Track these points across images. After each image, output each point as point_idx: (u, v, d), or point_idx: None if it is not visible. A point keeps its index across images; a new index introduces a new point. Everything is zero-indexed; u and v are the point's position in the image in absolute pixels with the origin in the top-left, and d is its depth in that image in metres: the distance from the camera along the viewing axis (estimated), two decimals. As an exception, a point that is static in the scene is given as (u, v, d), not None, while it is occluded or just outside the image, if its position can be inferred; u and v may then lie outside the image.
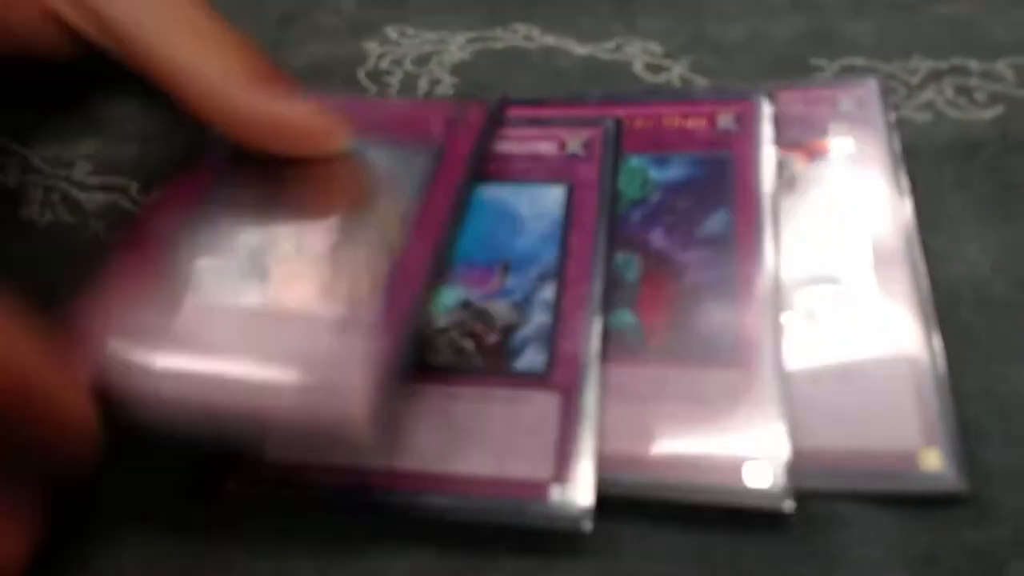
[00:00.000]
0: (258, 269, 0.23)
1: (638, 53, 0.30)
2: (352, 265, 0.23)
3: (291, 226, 0.24)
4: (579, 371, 0.22)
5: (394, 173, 0.25)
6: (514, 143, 0.26)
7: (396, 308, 0.22)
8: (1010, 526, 0.20)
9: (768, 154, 0.25)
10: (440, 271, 0.23)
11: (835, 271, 0.23)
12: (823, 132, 0.26)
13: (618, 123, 0.26)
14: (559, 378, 0.22)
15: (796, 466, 0.20)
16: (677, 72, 0.29)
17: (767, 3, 0.31)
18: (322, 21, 0.32)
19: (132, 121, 0.29)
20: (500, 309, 0.23)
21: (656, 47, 0.30)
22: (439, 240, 0.23)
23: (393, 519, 0.21)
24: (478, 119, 0.26)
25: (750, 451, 0.20)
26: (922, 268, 0.23)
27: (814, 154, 0.26)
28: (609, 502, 0.20)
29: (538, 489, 0.20)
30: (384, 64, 0.30)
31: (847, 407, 0.21)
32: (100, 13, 0.24)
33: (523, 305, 0.23)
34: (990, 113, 0.27)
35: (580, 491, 0.20)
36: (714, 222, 0.24)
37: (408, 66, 0.30)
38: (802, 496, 0.20)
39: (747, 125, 0.26)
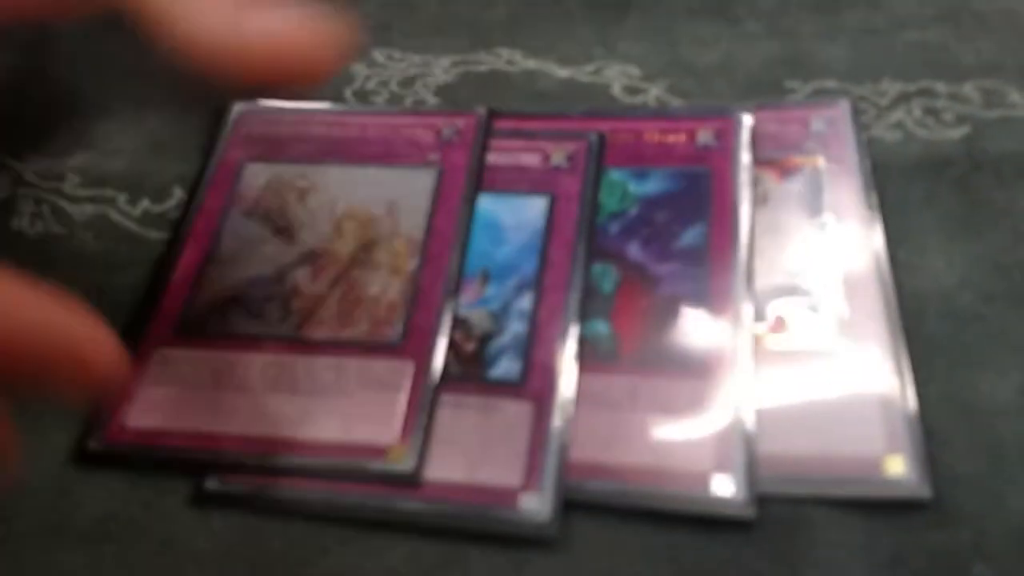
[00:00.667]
0: (279, 297, 0.24)
1: (617, 76, 0.31)
2: (367, 290, 0.24)
3: (303, 258, 0.25)
4: (552, 381, 0.22)
5: (398, 195, 0.26)
6: (499, 154, 0.27)
7: (418, 329, 0.23)
8: (973, 529, 0.20)
9: (745, 170, 0.26)
10: (456, 287, 0.24)
11: (805, 284, 0.24)
12: (796, 150, 0.27)
13: (601, 137, 0.27)
14: (533, 387, 0.22)
15: (764, 471, 0.21)
16: (654, 94, 0.30)
17: (742, 29, 0.31)
18: (311, 43, 0.33)
19: (120, 136, 0.30)
20: (478, 318, 0.24)
21: (634, 70, 0.31)
22: (452, 257, 0.24)
23: (368, 521, 0.21)
24: (470, 131, 0.27)
25: (715, 460, 0.21)
26: (890, 281, 0.24)
27: (786, 171, 0.26)
28: (578, 503, 0.21)
29: (508, 496, 0.21)
30: (371, 85, 0.31)
31: (814, 415, 0.22)
32: None
33: (500, 314, 0.24)
34: (957, 133, 0.28)
35: (548, 500, 0.20)
36: (690, 235, 0.25)
37: (394, 87, 0.31)
38: (770, 500, 0.21)
39: (726, 141, 0.27)
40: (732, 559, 0.20)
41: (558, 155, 0.27)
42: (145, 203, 0.28)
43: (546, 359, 0.23)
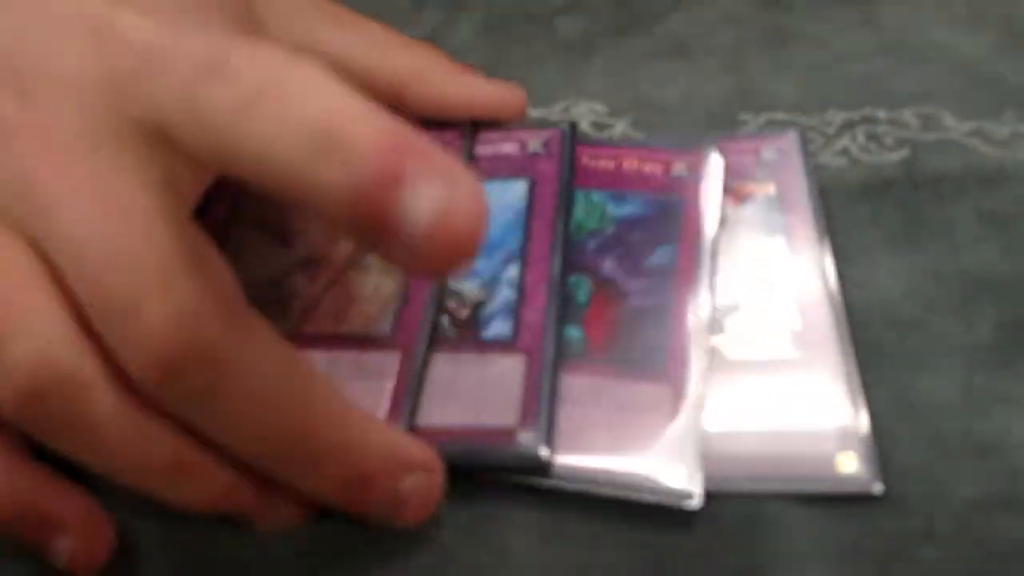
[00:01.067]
0: (277, 301, 0.26)
1: (585, 112, 0.33)
2: (361, 291, 0.26)
3: (300, 263, 0.27)
4: (542, 335, 0.25)
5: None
6: (483, 146, 0.30)
7: (406, 323, 0.25)
8: (922, 516, 0.22)
9: (714, 200, 0.28)
10: (443, 286, 0.26)
11: (761, 299, 0.26)
12: (749, 178, 0.29)
13: (572, 125, 0.30)
14: (523, 343, 0.25)
15: (726, 471, 0.23)
16: (620, 128, 0.32)
17: (700, 66, 0.34)
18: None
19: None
20: (469, 287, 0.26)
21: (601, 107, 0.33)
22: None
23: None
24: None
25: (669, 455, 0.23)
26: (838, 294, 0.26)
27: (741, 197, 0.28)
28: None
29: (506, 435, 0.23)
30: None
31: (770, 418, 0.24)
32: (335, 56, 0.30)
33: (490, 284, 0.26)
34: (897, 156, 0.30)
35: (542, 435, 0.23)
36: (660, 255, 0.27)
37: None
38: (732, 498, 0.22)
39: (696, 174, 0.29)
40: (699, 552, 0.22)
41: (535, 142, 0.30)
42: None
43: (534, 319, 0.25)
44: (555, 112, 0.33)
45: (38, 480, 0.20)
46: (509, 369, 0.24)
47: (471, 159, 0.29)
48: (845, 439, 0.23)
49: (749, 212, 0.28)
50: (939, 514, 0.22)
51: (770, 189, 0.28)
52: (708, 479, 0.23)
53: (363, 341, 0.25)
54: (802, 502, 0.22)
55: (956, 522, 0.22)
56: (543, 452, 0.23)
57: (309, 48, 0.29)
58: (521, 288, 0.26)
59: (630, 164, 0.29)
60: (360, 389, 0.24)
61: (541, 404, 0.23)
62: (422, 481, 0.21)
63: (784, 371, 0.24)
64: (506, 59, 0.35)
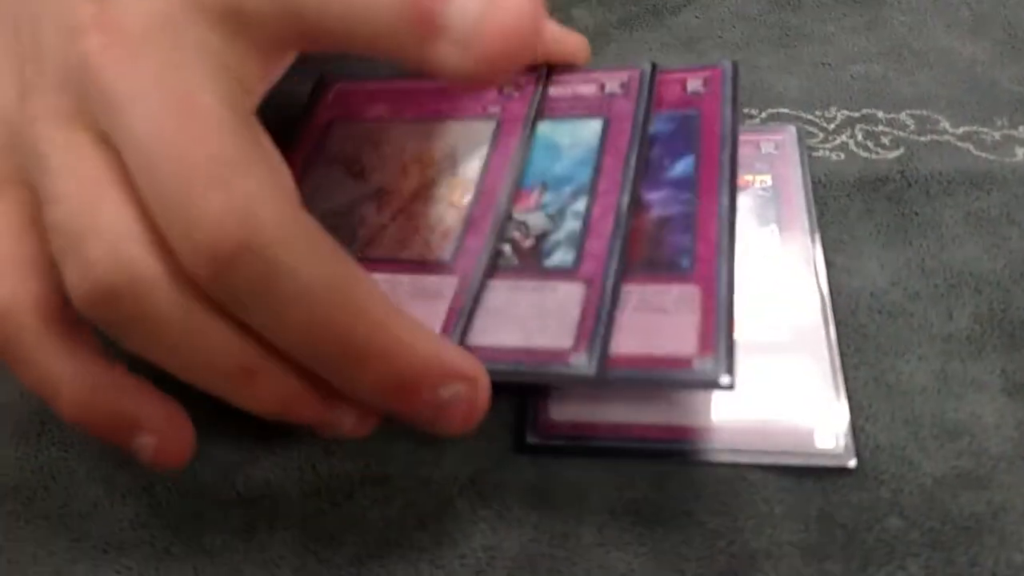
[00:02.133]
0: (346, 227, 0.27)
1: (596, 99, 0.34)
2: (425, 220, 0.27)
3: (371, 194, 0.28)
4: (603, 265, 0.25)
5: (459, 142, 0.29)
6: (559, 87, 0.31)
7: (466, 250, 0.26)
8: (891, 489, 0.23)
9: (730, 111, 0.29)
10: (504, 221, 0.27)
11: (751, 284, 0.27)
12: (748, 169, 0.30)
13: (654, 66, 0.30)
14: (585, 272, 0.25)
15: (712, 442, 0.24)
16: (629, 116, 0.33)
17: (709, 60, 0.35)
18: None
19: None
20: (536, 219, 0.27)
21: (612, 95, 0.34)
22: (500, 196, 0.27)
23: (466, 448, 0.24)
24: (529, 85, 0.30)
25: (702, 350, 0.23)
26: (825, 281, 0.27)
27: (741, 187, 0.30)
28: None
29: (561, 356, 0.23)
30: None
31: (757, 394, 0.25)
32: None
33: (557, 216, 0.27)
34: (893, 155, 0.31)
35: (595, 358, 0.23)
36: (680, 166, 0.28)
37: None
38: (715, 466, 0.24)
39: (713, 87, 0.30)
40: (683, 512, 0.23)
41: (612, 83, 0.30)
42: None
43: (597, 249, 0.26)
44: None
45: (119, 381, 0.21)
46: (567, 295, 0.25)
47: (543, 100, 0.30)
48: (825, 417, 0.25)
49: (746, 202, 0.29)
50: (907, 489, 0.23)
51: (766, 180, 0.30)
52: (697, 449, 0.24)
53: (423, 265, 0.26)
54: (780, 472, 0.24)
55: (922, 496, 0.23)
56: (595, 372, 0.23)
57: None
58: (587, 220, 0.26)
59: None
60: (416, 309, 0.25)
61: (598, 329, 0.24)
62: (466, 390, 0.21)
63: (771, 353, 0.26)
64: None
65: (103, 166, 0.19)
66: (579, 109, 0.30)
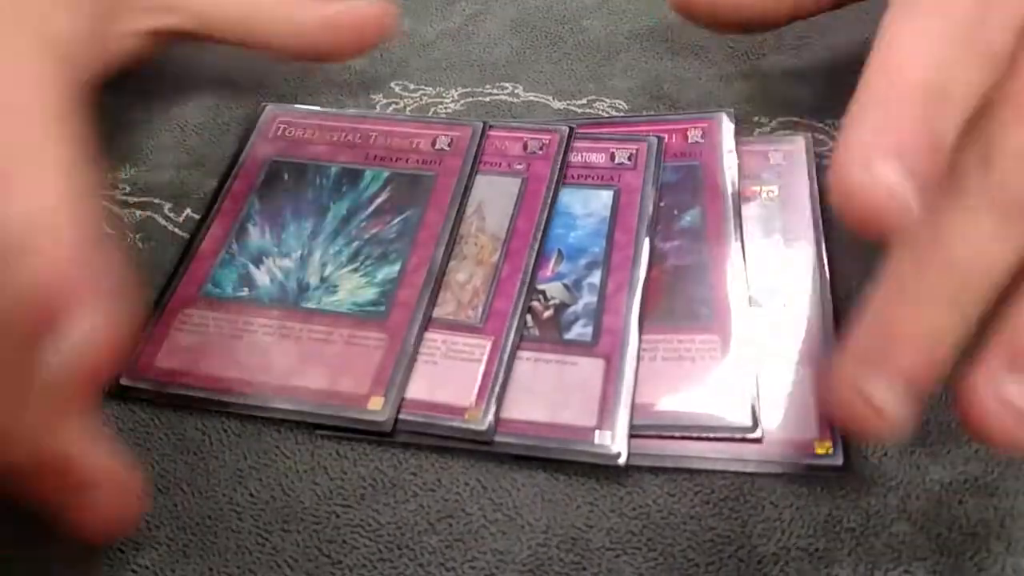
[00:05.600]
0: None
1: (606, 108, 0.34)
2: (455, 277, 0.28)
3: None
4: (620, 342, 0.26)
5: (485, 198, 0.31)
6: (571, 154, 0.32)
7: (496, 312, 0.27)
8: (898, 494, 0.24)
9: (729, 160, 0.30)
10: (531, 281, 0.28)
11: (758, 293, 0.28)
12: (755, 180, 0.31)
13: (660, 140, 0.32)
14: (603, 347, 0.26)
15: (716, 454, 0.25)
16: (639, 125, 0.34)
17: (720, 70, 0.35)
18: (335, 75, 0.37)
19: (166, 152, 0.34)
20: (555, 289, 0.28)
21: (622, 104, 0.35)
22: (529, 254, 0.29)
23: (476, 455, 0.25)
24: (552, 146, 0.32)
25: (729, 394, 0.25)
26: (828, 288, 0.28)
27: (746, 198, 0.30)
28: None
29: (586, 433, 0.25)
30: (388, 111, 0.35)
31: (761, 400, 0.25)
32: (193, 9, 0.32)
33: (574, 288, 0.28)
34: (901, 163, 0.31)
35: (620, 436, 0.25)
36: (688, 217, 0.29)
37: (409, 113, 0.35)
38: (719, 473, 0.24)
39: (711, 138, 0.31)
40: (692, 516, 0.24)
41: (621, 154, 0.32)
42: (188, 211, 0.32)
43: (614, 324, 0.27)
44: (577, 105, 0.35)
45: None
46: (589, 371, 0.26)
47: (565, 163, 0.31)
48: (823, 424, 0.25)
49: (752, 212, 0.30)
50: (915, 494, 0.24)
51: (773, 191, 0.30)
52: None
53: (454, 326, 0.27)
54: (786, 480, 0.24)
55: (929, 501, 0.23)
56: (619, 450, 0.24)
57: None
58: (602, 294, 0.28)
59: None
60: (451, 370, 0.26)
61: (619, 406, 0.25)
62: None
63: (772, 356, 0.26)
64: (533, 54, 0.37)
65: None
66: (591, 178, 0.31)
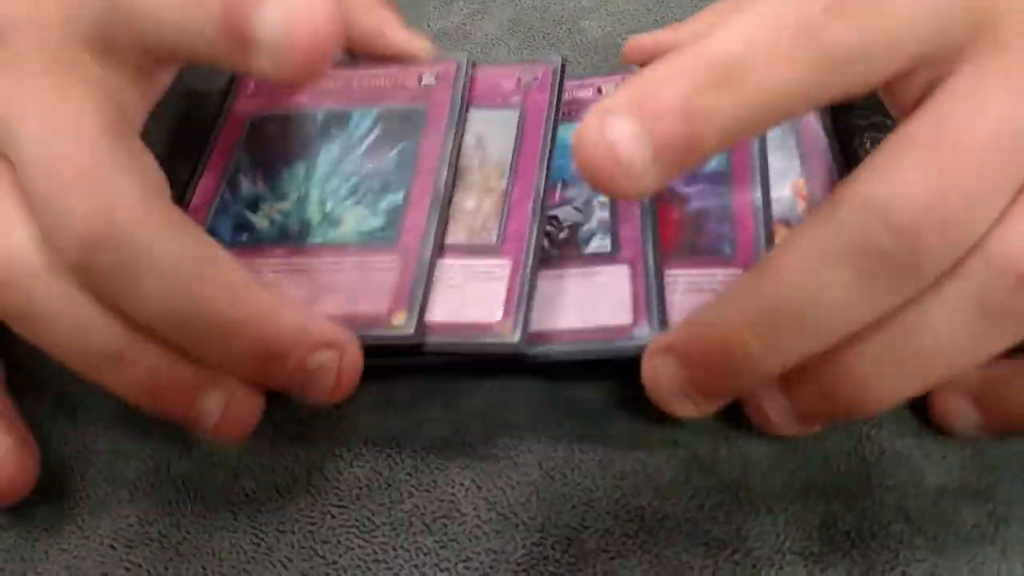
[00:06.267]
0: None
1: (604, 110, 0.34)
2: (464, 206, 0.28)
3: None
4: (640, 247, 0.27)
5: (485, 132, 0.30)
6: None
7: (512, 234, 0.27)
8: (896, 495, 0.24)
9: None
10: (544, 204, 0.28)
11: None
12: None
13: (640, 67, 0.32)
14: (625, 254, 0.27)
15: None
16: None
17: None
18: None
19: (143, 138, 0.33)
20: (565, 212, 0.28)
21: (620, 105, 0.35)
22: (538, 181, 0.29)
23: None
24: (546, 79, 0.32)
25: None
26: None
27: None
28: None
29: (624, 331, 0.25)
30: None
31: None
32: None
33: (584, 208, 0.28)
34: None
35: (656, 329, 0.25)
36: (715, 162, 0.29)
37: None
38: (720, 463, 0.24)
39: None
40: (687, 519, 0.24)
41: (609, 87, 0.32)
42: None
43: (632, 233, 0.27)
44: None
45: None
46: (614, 277, 0.26)
47: (561, 94, 0.31)
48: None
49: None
50: (912, 493, 0.24)
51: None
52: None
53: (471, 250, 0.27)
54: (786, 480, 0.24)
55: (927, 502, 0.23)
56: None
57: None
58: (614, 208, 0.28)
59: None
60: (473, 290, 0.26)
61: (652, 302, 0.25)
62: (333, 358, 0.23)
63: None
64: (531, 55, 0.37)
65: (2, 178, 0.22)
66: (583, 112, 0.31)
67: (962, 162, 0.18)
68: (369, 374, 0.24)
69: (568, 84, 0.32)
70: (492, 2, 0.39)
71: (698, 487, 0.24)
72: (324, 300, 0.26)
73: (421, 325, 0.25)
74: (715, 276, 0.26)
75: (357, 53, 0.34)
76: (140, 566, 0.23)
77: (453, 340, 0.25)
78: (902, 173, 0.19)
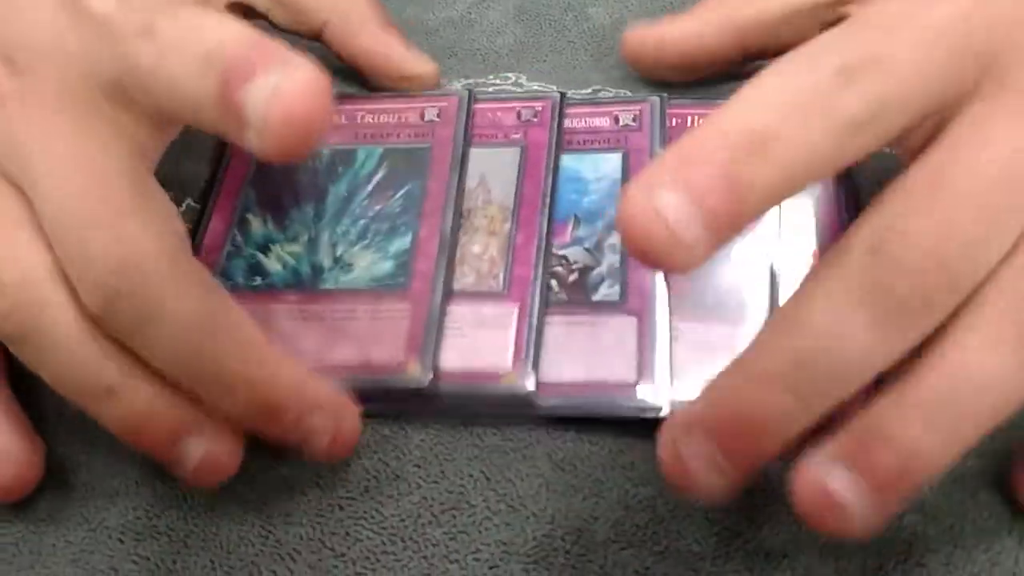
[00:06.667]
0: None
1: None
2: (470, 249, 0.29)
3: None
4: (649, 298, 0.27)
5: (487, 170, 0.31)
6: (574, 119, 0.32)
7: (518, 279, 0.27)
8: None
9: None
10: (547, 244, 0.28)
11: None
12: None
13: (662, 99, 0.32)
14: (632, 305, 0.27)
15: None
16: (644, 114, 0.33)
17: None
18: (332, 62, 0.36)
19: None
20: (576, 253, 0.28)
21: (627, 93, 0.34)
22: (541, 222, 0.29)
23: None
24: (546, 113, 0.32)
25: None
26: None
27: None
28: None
29: (627, 389, 0.25)
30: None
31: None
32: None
33: (595, 250, 0.28)
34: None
35: (662, 389, 0.25)
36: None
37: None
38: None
39: None
40: (698, 509, 0.23)
41: (625, 116, 0.32)
42: (189, 201, 0.31)
43: (641, 282, 0.27)
44: (582, 94, 0.34)
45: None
46: (621, 329, 0.26)
47: (561, 127, 0.31)
48: None
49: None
50: (925, 486, 0.23)
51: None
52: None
53: (479, 296, 0.27)
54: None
55: (941, 493, 0.23)
56: (662, 403, 0.25)
57: None
58: (624, 254, 0.28)
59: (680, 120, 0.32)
60: (482, 338, 0.26)
61: (657, 360, 0.25)
62: (329, 419, 0.23)
63: None
64: (537, 42, 0.36)
65: (17, 212, 0.22)
66: (597, 143, 0.31)
67: (961, 207, 0.19)
68: (382, 415, 0.25)
69: (584, 111, 0.32)
70: (498, -11, 0.39)
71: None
72: (339, 348, 0.26)
73: (434, 373, 0.25)
74: (720, 334, 0.26)
75: (362, 75, 0.34)
76: (148, 559, 0.23)
77: (466, 390, 0.25)
78: (905, 220, 0.19)
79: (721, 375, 0.21)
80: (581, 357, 0.26)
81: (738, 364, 0.21)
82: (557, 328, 0.26)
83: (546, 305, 0.27)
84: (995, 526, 0.23)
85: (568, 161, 0.31)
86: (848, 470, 0.20)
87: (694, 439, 0.21)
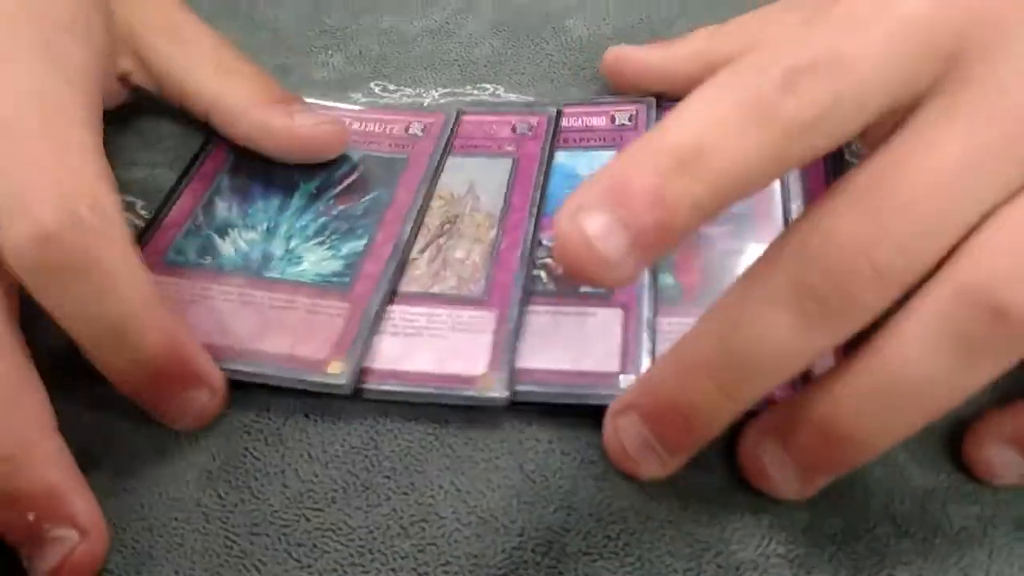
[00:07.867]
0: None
1: (588, 109, 0.34)
2: (454, 254, 0.29)
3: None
4: (635, 292, 0.27)
5: (477, 178, 0.31)
6: (571, 118, 0.33)
7: (498, 285, 0.27)
8: (883, 497, 0.23)
9: None
10: (529, 254, 0.28)
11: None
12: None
13: (658, 98, 0.33)
14: (620, 297, 0.27)
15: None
16: (621, 126, 0.33)
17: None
18: (313, 74, 0.36)
19: (143, 151, 0.33)
20: None
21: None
22: (527, 231, 0.29)
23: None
24: (540, 128, 0.32)
25: None
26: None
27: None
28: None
29: (609, 378, 0.25)
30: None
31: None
32: (159, 70, 0.32)
33: None
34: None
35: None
36: (740, 204, 0.29)
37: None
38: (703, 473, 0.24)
39: None
40: (670, 521, 0.23)
41: (621, 116, 0.32)
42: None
43: None
44: (560, 105, 0.34)
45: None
46: (607, 320, 0.26)
47: (555, 138, 0.32)
48: None
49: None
50: (898, 498, 0.23)
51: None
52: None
53: (458, 300, 0.27)
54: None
55: (912, 502, 0.23)
56: None
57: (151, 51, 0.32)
58: None
59: None
60: (460, 341, 0.26)
61: (641, 350, 0.25)
62: (205, 397, 0.25)
63: None
64: (515, 54, 0.36)
65: None
66: (593, 141, 0.32)
67: (896, 209, 0.19)
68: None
69: (581, 110, 0.33)
70: (476, 0, 0.39)
71: (681, 488, 0.24)
72: (270, 337, 0.26)
73: (357, 375, 0.25)
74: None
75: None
76: (112, 572, 0.23)
77: (439, 392, 0.25)
78: (837, 220, 0.19)
79: (657, 362, 0.23)
80: (565, 346, 0.26)
81: (672, 352, 0.22)
82: (544, 318, 0.27)
83: (533, 296, 0.27)
84: (967, 539, 0.22)
85: (563, 158, 0.31)
86: (777, 446, 0.22)
87: (630, 422, 0.23)
